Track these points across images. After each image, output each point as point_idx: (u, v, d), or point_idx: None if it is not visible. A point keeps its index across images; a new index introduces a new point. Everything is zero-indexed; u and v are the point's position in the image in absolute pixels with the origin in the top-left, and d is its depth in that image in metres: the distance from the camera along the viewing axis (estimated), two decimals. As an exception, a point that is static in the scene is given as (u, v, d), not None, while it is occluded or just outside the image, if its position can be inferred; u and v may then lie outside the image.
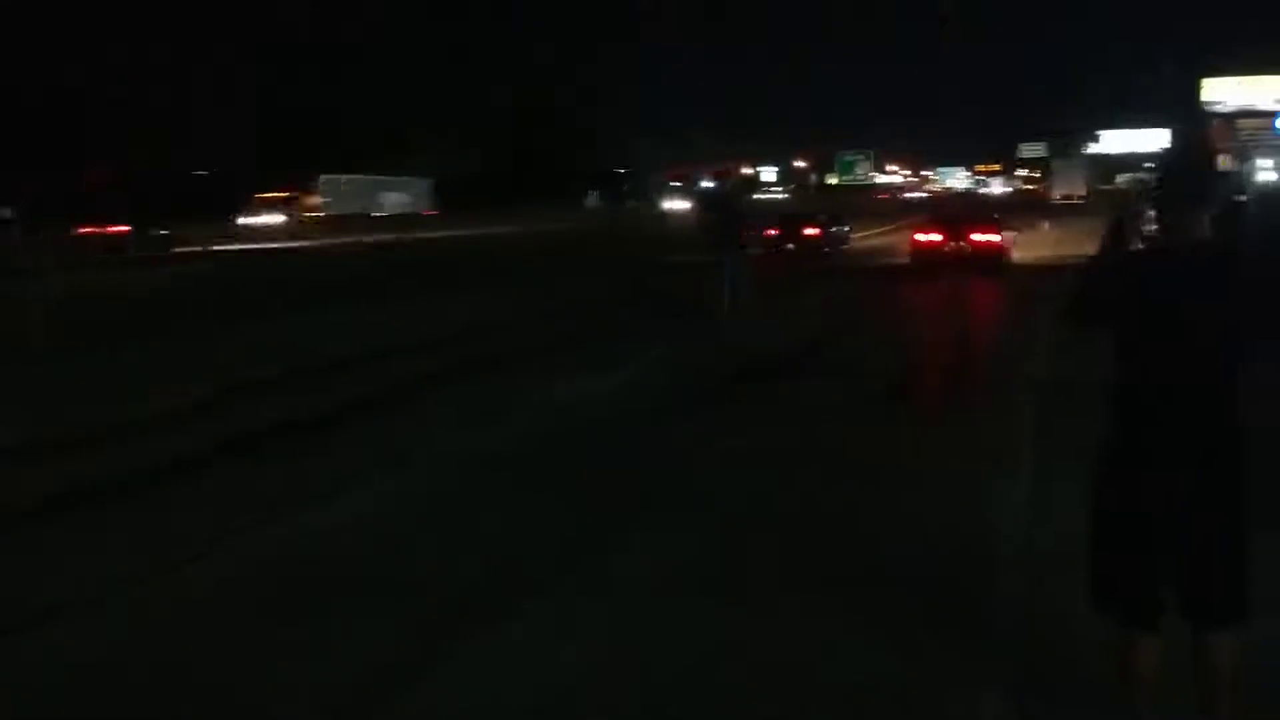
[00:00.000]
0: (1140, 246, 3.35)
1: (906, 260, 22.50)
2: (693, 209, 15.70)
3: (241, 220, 56.87)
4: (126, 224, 37.02)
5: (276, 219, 59.25)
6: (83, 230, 37.09)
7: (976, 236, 21.31)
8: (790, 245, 25.59)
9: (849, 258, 26.95)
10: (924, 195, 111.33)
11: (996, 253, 21.08)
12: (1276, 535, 3.95)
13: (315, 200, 68.58)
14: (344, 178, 69.61)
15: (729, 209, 14.32)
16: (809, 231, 26.56)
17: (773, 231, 25.65)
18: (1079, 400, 5.21)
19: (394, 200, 75.86)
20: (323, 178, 67.73)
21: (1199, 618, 3.13)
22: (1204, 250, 3.08)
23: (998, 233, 21.72)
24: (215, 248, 36.75)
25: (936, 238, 21.89)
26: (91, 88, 63.81)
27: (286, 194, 65.21)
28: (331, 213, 63.46)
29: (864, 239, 32.86)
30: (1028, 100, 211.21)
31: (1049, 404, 8.04)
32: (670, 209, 75.75)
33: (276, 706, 3.73)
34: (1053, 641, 3.97)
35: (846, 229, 30.24)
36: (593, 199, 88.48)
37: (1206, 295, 3.00)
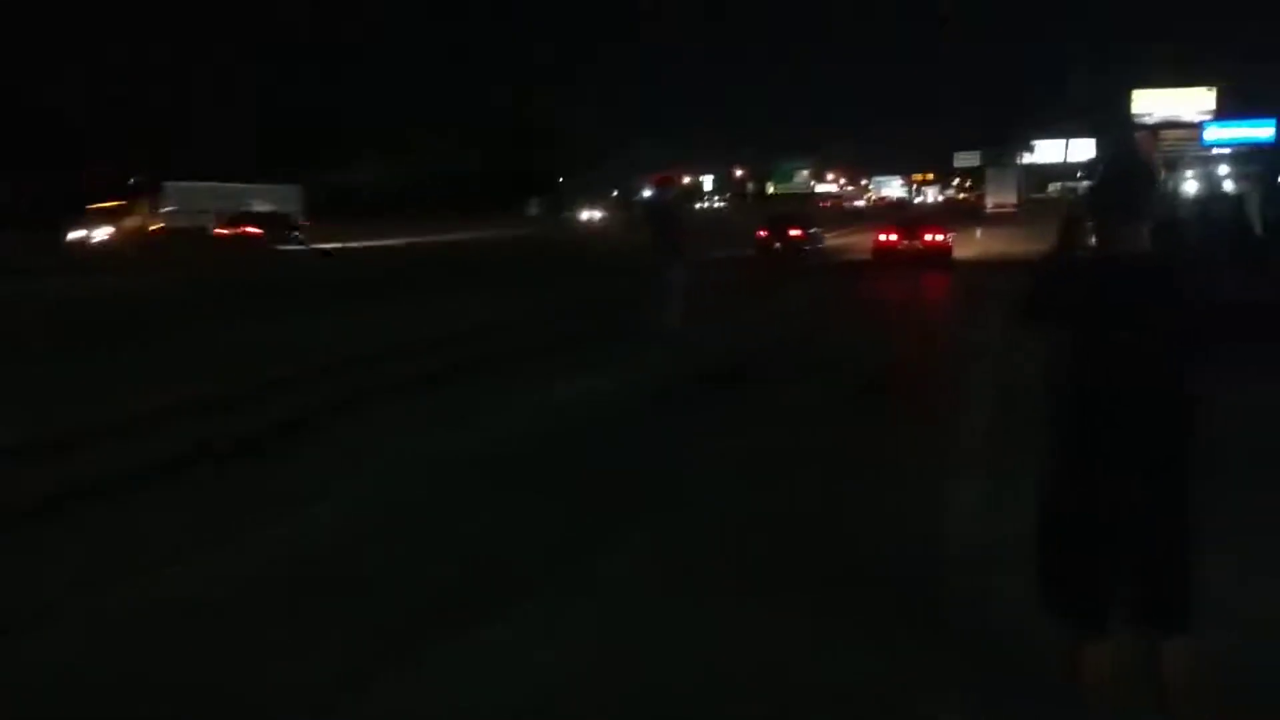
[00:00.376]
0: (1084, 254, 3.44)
1: (869, 256, 26.61)
2: (636, 217, 15.23)
3: (72, 235, 45.11)
4: None
5: (104, 233, 47.13)
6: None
7: (928, 236, 25.92)
8: (778, 245, 29.74)
9: (824, 255, 31.35)
10: (862, 204, 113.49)
11: (943, 249, 25.43)
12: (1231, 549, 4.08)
13: (142, 214, 52.63)
14: (193, 184, 55.40)
15: (671, 217, 14.10)
16: (794, 233, 30.51)
17: (763, 233, 30.16)
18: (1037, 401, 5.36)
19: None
20: (168, 184, 54.04)
21: (1150, 624, 3.17)
22: (1144, 260, 3.11)
23: (945, 234, 26.02)
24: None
25: (894, 237, 26.26)
26: (92, 87, 62.25)
27: (116, 204, 51.63)
28: (177, 225, 48.82)
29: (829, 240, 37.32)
30: (963, 110, 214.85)
31: (1011, 403, 8.19)
32: (587, 218, 74.25)
33: (256, 706, 3.75)
34: (1019, 642, 4.00)
35: (821, 231, 34.80)
36: (534, 206, 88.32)
37: (1151, 301, 3.04)
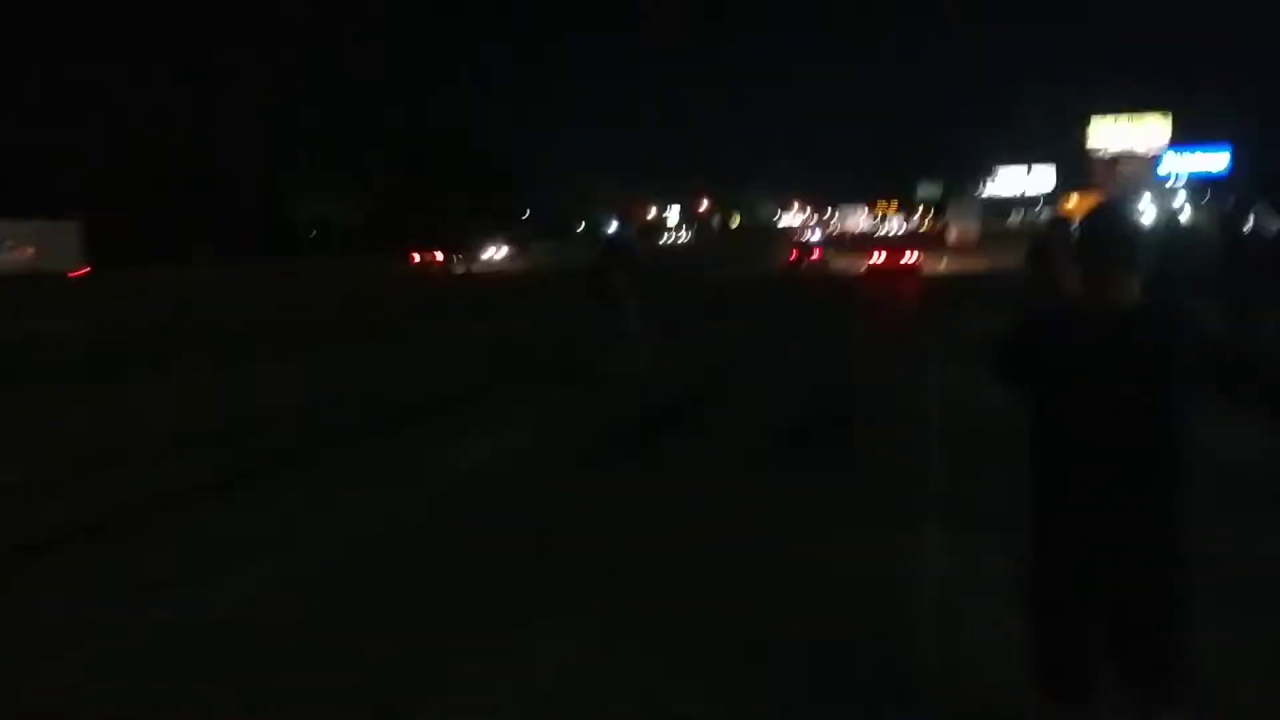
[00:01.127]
0: (1063, 305, 3.28)
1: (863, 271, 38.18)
2: (597, 252, 13.61)
3: None
4: None
5: None
6: None
7: (902, 260, 38.87)
8: (802, 265, 43.46)
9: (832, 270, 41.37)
10: (825, 236, 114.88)
11: (917, 267, 38.02)
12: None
13: None
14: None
15: (631, 254, 13.18)
16: (814, 257, 44.40)
17: (792, 257, 44.64)
18: (994, 444, 5.22)
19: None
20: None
21: (1143, 695, 2.99)
22: (1136, 312, 2.92)
23: (917, 255, 39.04)
24: None
25: (882, 258, 39.09)
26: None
27: None
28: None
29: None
30: (926, 140, 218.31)
31: (963, 446, 8.05)
32: (488, 258, 67.70)
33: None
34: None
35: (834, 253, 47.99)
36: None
37: (1139, 359, 2.86)
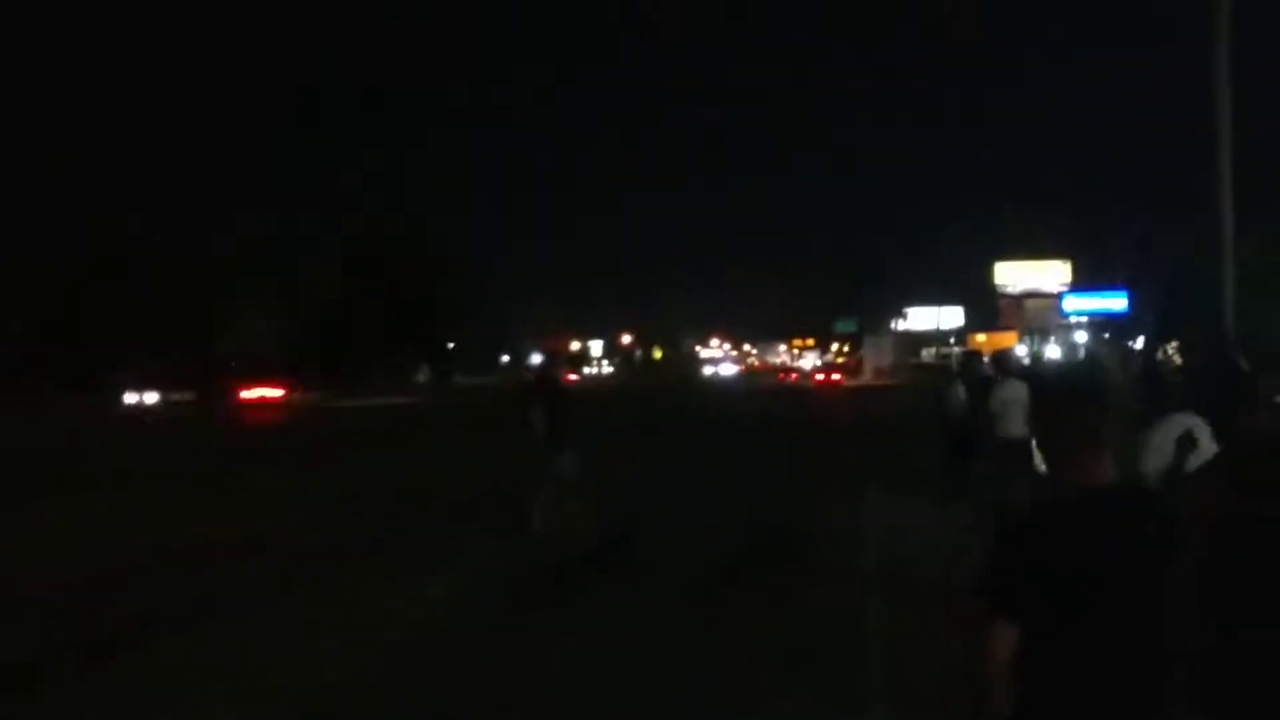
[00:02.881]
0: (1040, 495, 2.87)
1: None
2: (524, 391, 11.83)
3: None
4: None
5: None
6: None
7: (834, 376, 67.83)
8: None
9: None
10: (741, 370, 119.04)
11: (840, 382, 62.67)
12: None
13: None
14: None
15: (559, 391, 11.71)
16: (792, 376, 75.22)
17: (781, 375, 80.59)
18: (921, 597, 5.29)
19: None
20: None
21: None
22: (1121, 494, 2.56)
23: (841, 375, 66.68)
24: None
25: (821, 376, 69.00)
26: None
27: None
28: None
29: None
30: (843, 278, 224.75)
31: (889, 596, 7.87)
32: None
33: None
34: None
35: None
36: (424, 373, 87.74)
37: (1136, 550, 2.46)
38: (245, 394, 59.48)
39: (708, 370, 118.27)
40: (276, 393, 60.59)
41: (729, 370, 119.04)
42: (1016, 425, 10.34)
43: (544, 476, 10.96)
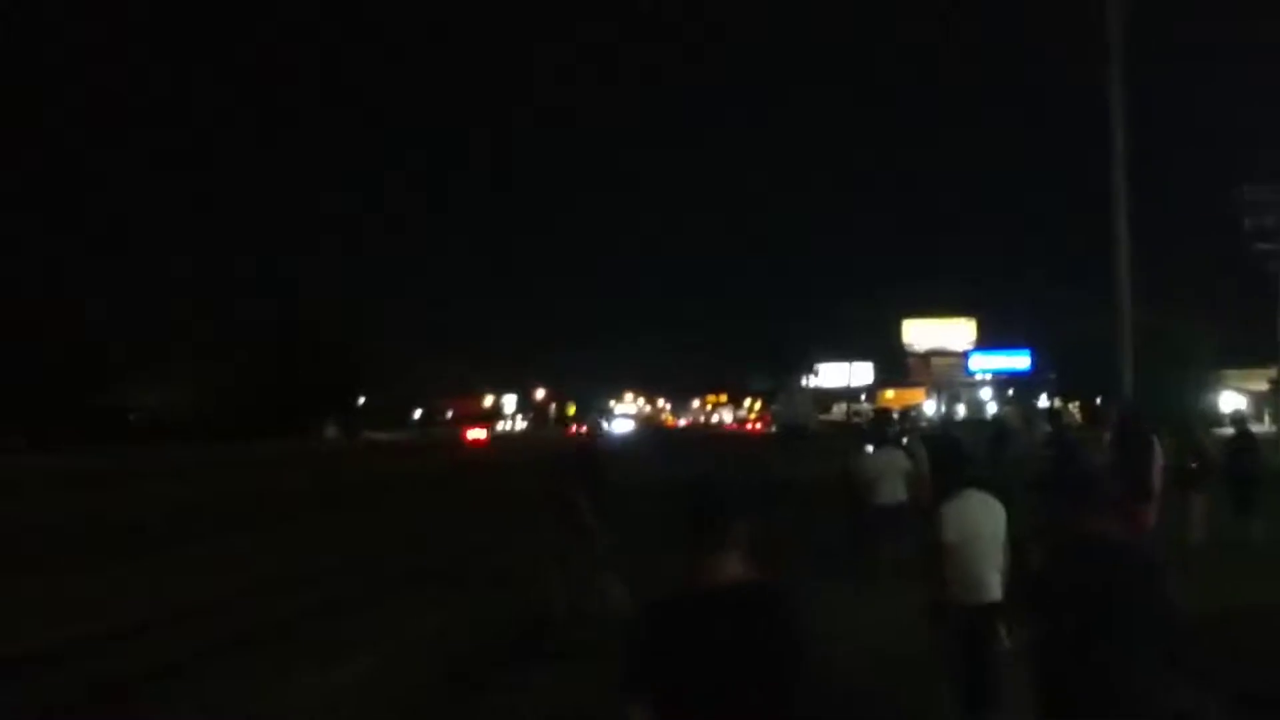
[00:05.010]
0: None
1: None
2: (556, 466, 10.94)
3: None
4: None
5: None
6: None
7: (755, 428, 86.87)
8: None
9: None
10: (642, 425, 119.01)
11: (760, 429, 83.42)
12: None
13: None
14: None
15: (598, 465, 9.93)
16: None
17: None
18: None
19: None
20: None
21: None
22: (741, 594, 2.78)
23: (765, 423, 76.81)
24: None
25: (757, 428, 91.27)
26: None
27: None
28: None
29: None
30: (755, 338, 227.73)
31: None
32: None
33: None
34: None
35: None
36: (331, 428, 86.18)
37: (740, 648, 2.67)
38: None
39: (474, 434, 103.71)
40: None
41: (624, 426, 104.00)
42: (887, 493, 10.37)
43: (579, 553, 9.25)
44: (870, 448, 11.61)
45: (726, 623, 2.63)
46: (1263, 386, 65.14)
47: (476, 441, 75.88)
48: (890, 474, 10.45)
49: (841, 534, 11.58)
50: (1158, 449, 9.76)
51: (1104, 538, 3.17)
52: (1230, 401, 59.23)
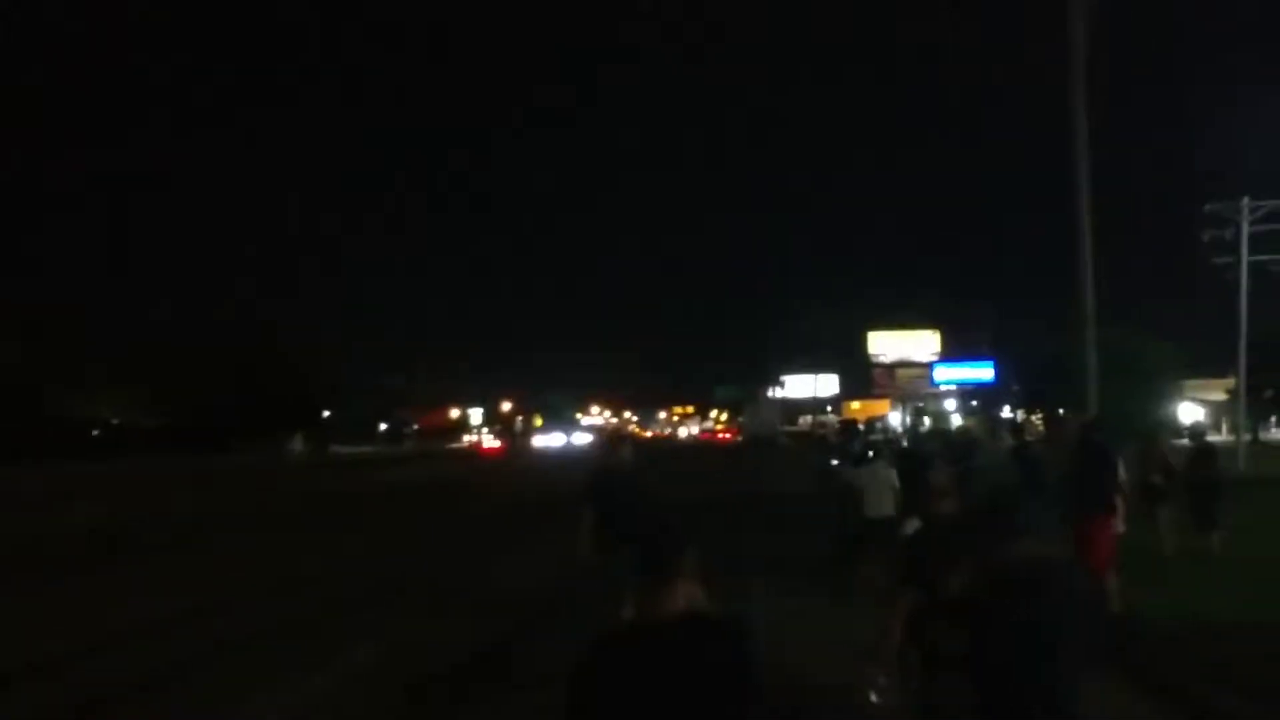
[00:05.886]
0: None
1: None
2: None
3: None
4: None
5: None
6: None
7: (726, 435, 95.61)
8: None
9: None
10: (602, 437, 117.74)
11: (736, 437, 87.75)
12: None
13: None
14: None
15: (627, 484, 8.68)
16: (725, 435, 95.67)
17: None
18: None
19: None
20: None
21: None
22: (687, 627, 2.81)
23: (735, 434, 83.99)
24: None
25: (728, 435, 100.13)
26: None
27: None
28: None
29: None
30: (720, 349, 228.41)
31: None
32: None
33: None
34: None
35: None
36: (298, 442, 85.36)
37: (681, 677, 2.71)
38: None
39: (539, 441, 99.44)
40: None
41: (583, 439, 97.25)
42: (873, 507, 10.38)
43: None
44: (857, 461, 11.60)
45: (674, 655, 2.65)
46: (1221, 396, 66.11)
47: (491, 450, 79.36)
48: (877, 488, 10.46)
49: (821, 550, 11.62)
50: (1118, 461, 9.85)
51: (1037, 561, 3.26)
52: (1189, 412, 60.06)
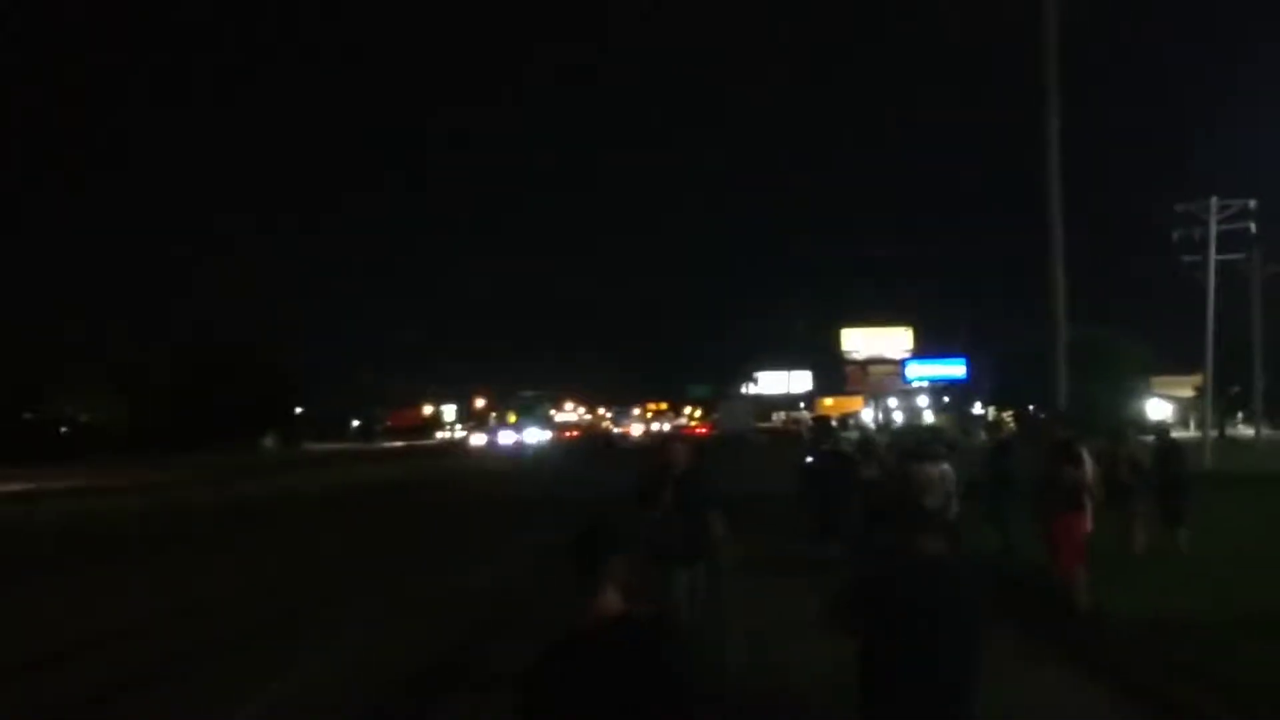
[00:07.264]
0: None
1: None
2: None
3: None
4: None
5: None
6: None
7: (701, 431, 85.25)
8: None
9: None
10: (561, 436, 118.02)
11: (707, 432, 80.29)
12: None
13: None
14: None
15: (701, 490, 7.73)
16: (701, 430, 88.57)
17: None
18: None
19: None
20: None
21: None
22: (628, 628, 2.85)
23: (707, 429, 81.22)
24: None
25: (703, 431, 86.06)
26: None
27: None
28: None
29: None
30: (695, 347, 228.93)
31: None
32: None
33: None
34: None
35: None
36: (270, 439, 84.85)
37: (617, 680, 2.72)
38: None
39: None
40: None
41: (537, 437, 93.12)
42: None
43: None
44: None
45: (606, 658, 2.71)
46: (1189, 393, 66.84)
47: (478, 449, 79.80)
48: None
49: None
50: (1087, 459, 9.88)
51: (934, 558, 3.54)
52: (1157, 409, 60.56)
